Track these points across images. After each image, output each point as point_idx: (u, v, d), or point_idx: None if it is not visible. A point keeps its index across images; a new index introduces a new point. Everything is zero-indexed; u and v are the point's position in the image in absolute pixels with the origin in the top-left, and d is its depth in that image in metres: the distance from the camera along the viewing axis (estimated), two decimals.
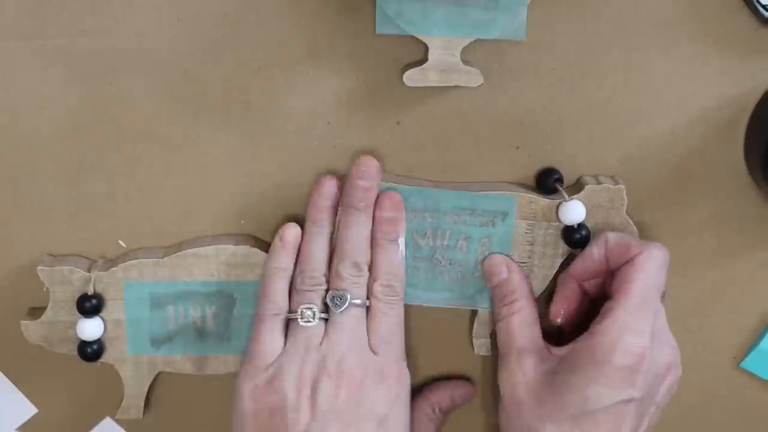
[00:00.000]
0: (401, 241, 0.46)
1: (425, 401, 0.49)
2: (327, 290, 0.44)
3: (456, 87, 0.44)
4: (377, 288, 0.45)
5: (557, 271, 0.48)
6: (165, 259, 0.46)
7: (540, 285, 0.48)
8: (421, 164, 0.47)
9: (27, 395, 0.52)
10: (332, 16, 0.44)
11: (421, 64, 0.44)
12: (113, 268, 0.46)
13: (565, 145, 0.47)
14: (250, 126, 0.46)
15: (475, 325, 0.49)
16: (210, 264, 0.47)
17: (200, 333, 0.48)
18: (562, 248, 0.47)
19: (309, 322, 0.43)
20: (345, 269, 0.44)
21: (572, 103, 0.46)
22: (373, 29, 0.43)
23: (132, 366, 0.48)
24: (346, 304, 0.43)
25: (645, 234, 0.49)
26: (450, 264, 0.47)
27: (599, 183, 0.46)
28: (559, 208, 0.46)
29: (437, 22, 0.43)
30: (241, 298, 0.47)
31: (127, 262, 0.46)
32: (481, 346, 0.50)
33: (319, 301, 0.44)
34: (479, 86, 0.44)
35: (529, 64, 0.45)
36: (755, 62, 0.45)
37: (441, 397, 0.50)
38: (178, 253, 0.46)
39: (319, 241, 0.45)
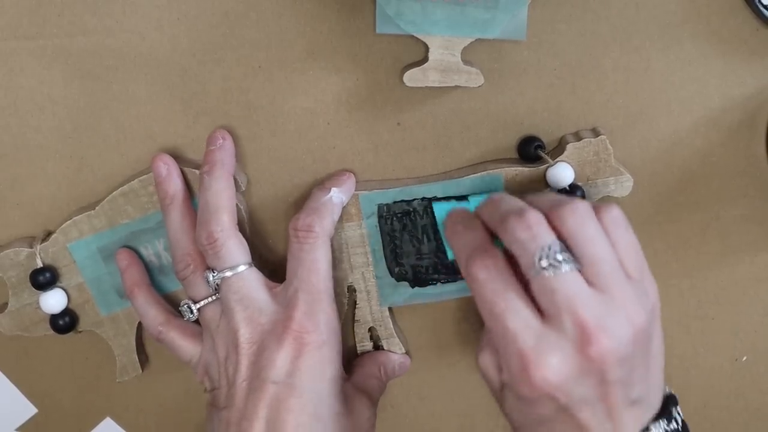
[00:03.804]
0: (336, 190, 0.45)
1: (374, 361, 0.49)
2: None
3: (456, 87, 0.44)
4: (291, 227, 0.44)
5: None
6: (96, 208, 0.46)
7: None
8: (421, 165, 0.47)
9: (27, 395, 0.52)
10: (332, 16, 0.44)
11: (422, 65, 0.43)
12: (53, 235, 0.47)
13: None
14: (250, 126, 0.46)
15: None
16: (140, 198, 0.46)
17: (160, 269, 0.48)
18: None
19: (191, 317, 0.45)
20: (200, 243, 0.44)
21: (573, 104, 0.46)
22: (373, 29, 0.43)
23: (110, 325, 0.49)
24: (213, 283, 0.44)
25: (647, 235, 0.48)
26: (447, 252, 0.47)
27: (580, 139, 0.45)
28: (547, 174, 0.45)
29: (437, 22, 0.43)
30: None
31: (64, 225, 0.46)
32: None
33: (197, 287, 0.45)
34: (479, 86, 0.44)
35: (529, 64, 0.45)
36: (757, 63, 0.45)
37: (388, 360, 0.49)
38: (107, 198, 0.46)
39: (177, 221, 0.45)
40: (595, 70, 0.45)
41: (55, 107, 0.45)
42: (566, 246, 0.37)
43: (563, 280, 0.36)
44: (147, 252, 0.47)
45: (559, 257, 0.36)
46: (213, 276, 0.44)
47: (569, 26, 0.44)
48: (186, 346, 0.46)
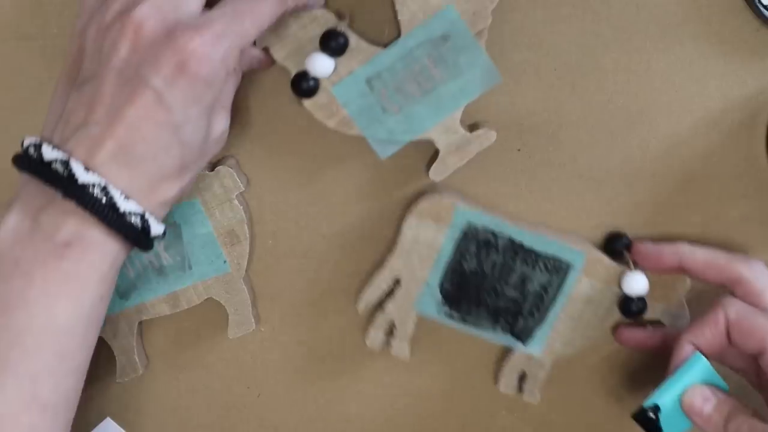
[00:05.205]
0: None
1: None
2: None
3: None
4: None
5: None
6: None
7: (577, 345, 0.48)
8: (421, 165, 0.47)
9: None
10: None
11: (437, 157, 0.45)
12: None
13: (566, 147, 0.47)
14: (250, 126, 0.46)
15: (507, 365, 0.49)
16: None
17: (160, 271, 0.48)
18: (614, 315, 0.47)
19: None
20: None
21: (573, 104, 0.46)
22: (373, 29, 0.43)
23: (110, 326, 0.48)
24: None
25: (647, 236, 0.48)
26: (500, 296, 0.47)
27: None
28: (624, 277, 0.46)
29: (423, 117, 0.44)
30: (184, 221, 0.47)
31: None
32: (507, 384, 0.49)
33: None
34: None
35: (529, 65, 0.45)
36: (758, 63, 0.45)
37: (243, 56, 0.42)
38: None
39: None
40: (596, 70, 0.45)
41: None
42: None
43: None
44: (146, 253, 0.47)
45: None
46: None
47: (569, 26, 0.44)
48: None
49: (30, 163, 0.38)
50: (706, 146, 0.47)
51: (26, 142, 0.39)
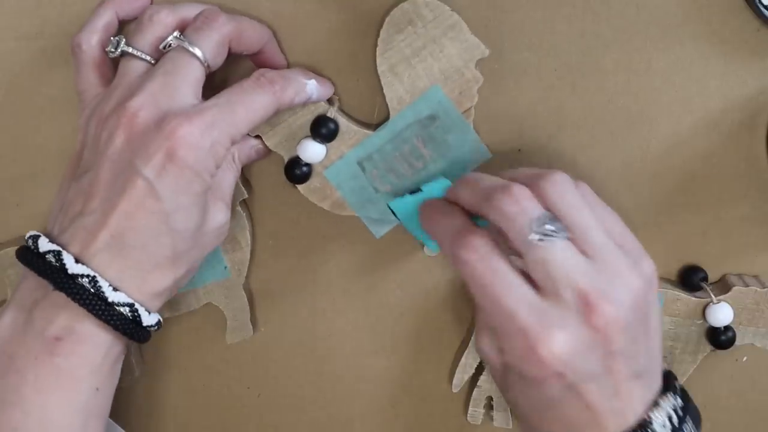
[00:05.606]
0: (314, 83, 0.43)
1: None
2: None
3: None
4: (259, 72, 0.41)
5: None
6: None
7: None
8: None
9: None
10: (332, 16, 0.44)
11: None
12: None
13: (567, 147, 0.47)
14: None
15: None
16: None
17: None
18: (706, 348, 0.47)
19: (112, 51, 0.41)
20: (198, 14, 0.41)
21: (573, 105, 0.46)
22: (373, 29, 0.43)
23: None
24: (166, 43, 0.40)
25: (647, 236, 0.48)
26: None
27: (746, 284, 0.46)
28: (707, 309, 0.46)
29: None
30: None
31: None
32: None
33: (145, 36, 0.41)
34: (479, 87, 0.44)
35: (529, 64, 0.45)
36: (758, 63, 0.45)
37: (241, 148, 0.44)
38: None
39: None
40: (596, 70, 0.45)
41: (55, 107, 0.45)
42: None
43: (557, 251, 0.35)
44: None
45: (551, 228, 0.36)
46: (175, 36, 0.40)
47: (569, 27, 0.44)
48: (90, 76, 0.42)
49: (27, 255, 0.39)
50: (706, 146, 0.47)
51: (27, 235, 0.39)
